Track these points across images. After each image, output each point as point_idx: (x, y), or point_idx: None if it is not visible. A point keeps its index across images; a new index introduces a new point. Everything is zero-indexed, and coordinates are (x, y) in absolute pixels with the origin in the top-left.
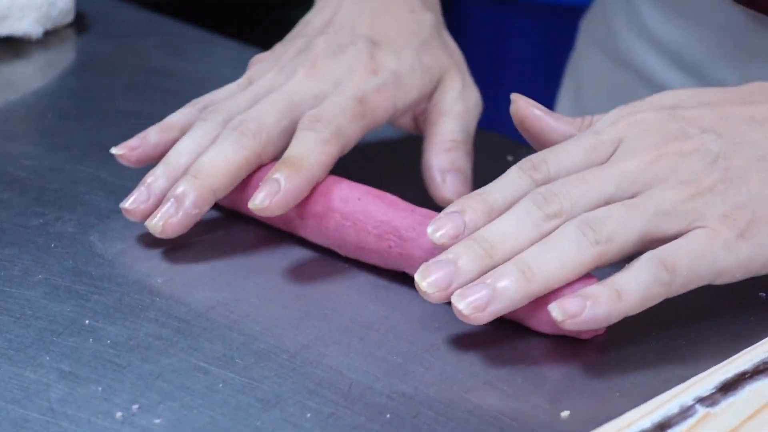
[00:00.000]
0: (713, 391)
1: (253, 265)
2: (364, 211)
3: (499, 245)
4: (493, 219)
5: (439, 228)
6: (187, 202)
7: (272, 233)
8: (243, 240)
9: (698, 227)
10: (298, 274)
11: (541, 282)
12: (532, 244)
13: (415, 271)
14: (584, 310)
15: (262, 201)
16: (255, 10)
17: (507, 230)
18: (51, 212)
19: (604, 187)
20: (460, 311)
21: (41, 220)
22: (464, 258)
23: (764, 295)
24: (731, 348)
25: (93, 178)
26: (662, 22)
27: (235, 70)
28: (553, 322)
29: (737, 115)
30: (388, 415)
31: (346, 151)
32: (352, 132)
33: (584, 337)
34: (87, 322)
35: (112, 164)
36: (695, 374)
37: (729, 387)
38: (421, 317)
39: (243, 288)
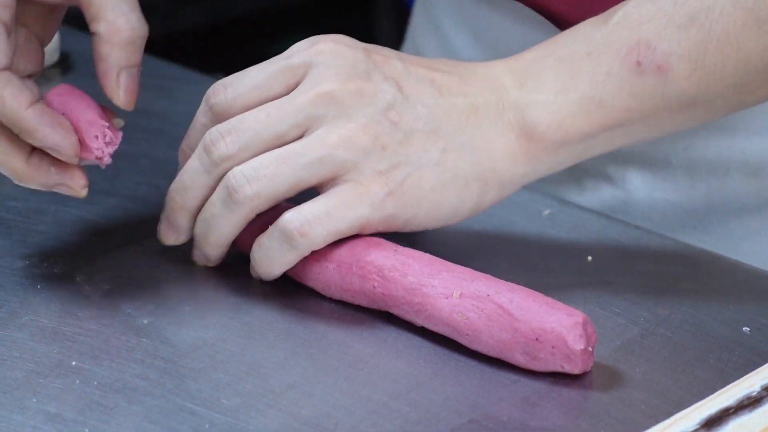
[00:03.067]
0: (697, 427)
1: (238, 305)
2: (349, 254)
3: (179, 198)
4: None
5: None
6: None
7: None
8: (228, 279)
9: (350, 180)
10: (284, 313)
11: (213, 244)
12: (209, 191)
13: (399, 311)
14: None
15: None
16: (241, 49)
17: (186, 181)
18: (37, 254)
19: (276, 126)
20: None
21: (27, 262)
22: (168, 216)
23: (748, 330)
24: (715, 383)
25: (78, 219)
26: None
27: None
28: (534, 358)
29: (421, 75)
30: None
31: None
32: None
33: (576, 372)
34: (73, 363)
35: (97, 205)
36: (679, 410)
37: (713, 423)
38: (407, 356)
39: (228, 327)
